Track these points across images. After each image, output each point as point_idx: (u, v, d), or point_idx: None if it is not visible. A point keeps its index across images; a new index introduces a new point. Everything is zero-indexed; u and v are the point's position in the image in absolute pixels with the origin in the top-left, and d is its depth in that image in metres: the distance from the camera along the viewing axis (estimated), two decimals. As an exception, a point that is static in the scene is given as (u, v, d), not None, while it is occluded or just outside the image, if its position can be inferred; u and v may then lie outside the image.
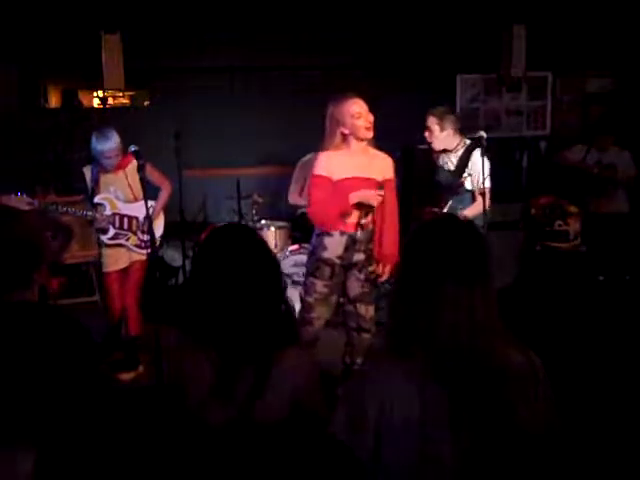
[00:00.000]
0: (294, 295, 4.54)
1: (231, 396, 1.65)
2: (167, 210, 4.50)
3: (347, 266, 3.46)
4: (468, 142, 4.13)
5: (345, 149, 3.41)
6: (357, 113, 3.33)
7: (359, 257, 3.45)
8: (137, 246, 4.26)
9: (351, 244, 3.37)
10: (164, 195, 4.39)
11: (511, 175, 6.67)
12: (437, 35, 6.66)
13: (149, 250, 3.97)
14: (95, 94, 7.46)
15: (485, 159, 3.94)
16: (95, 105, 7.45)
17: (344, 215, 3.36)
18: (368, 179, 3.40)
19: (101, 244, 4.28)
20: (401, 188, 6.50)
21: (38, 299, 2.21)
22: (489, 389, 1.47)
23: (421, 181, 6.78)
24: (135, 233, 4.25)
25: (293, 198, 5.33)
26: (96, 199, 4.17)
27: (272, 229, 5.55)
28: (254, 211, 5.71)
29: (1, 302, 2.08)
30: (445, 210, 4.09)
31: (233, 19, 6.36)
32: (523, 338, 1.60)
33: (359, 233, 3.37)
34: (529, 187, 6.57)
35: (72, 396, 1.98)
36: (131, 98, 7.76)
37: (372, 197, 3.31)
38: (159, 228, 4.40)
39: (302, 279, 3.98)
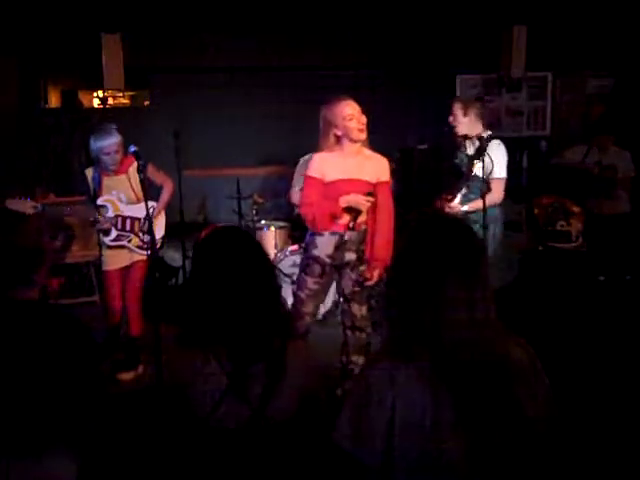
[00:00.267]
0: (290, 293, 4.55)
1: (245, 396, 1.65)
2: (167, 210, 4.50)
3: (339, 265, 3.50)
4: (489, 133, 4.20)
5: (338, 151, 3.43)
6: (349, 115, 3.35)
7: (350, 257, 3.48)
8: (139, 247, 4.25)
9: (341, 244, 3.41)
10: (166, 194, 4.38)
11: (511, 175, 6.67)
12: (437, 35, 6.67)
13: (150, 251, 3.96)
14: (95, 94, 7.47)
15: (502, 150, 4.05)
16: (95, 105, 7.45)
17: (334, 217, 3.40)
18: (360, 181, 3.42)
19: (102, 245, 4.27)
20: (400, 188, 6.54)
21: (39, 299, 2.22)
22: (494, 385, 1.47)
23: (421, 181, 6.81)
24: (137, 234, 4.25)
25: (294, 197, 5.34)
26: (99, 201, 4.17)
27: (272, 229, 5.55)
28: (254, 211, 5.71)
29: (3, 302, 2.09)
30: (457, 199, 4.12)
31: (233, 19, 6.36)
32: (524, 336, 1.60)
33: (349, 234, 3.40)
34: (529, 187, 6.57)
35: (73, 395, 1.97)
36: (131, 98, 7.77)
37: (361, 202, 3.34)
38: (160, 228, 4.39)
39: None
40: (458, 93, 7.13)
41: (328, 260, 3.48)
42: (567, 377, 1.97)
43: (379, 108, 6.88)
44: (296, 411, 1.66)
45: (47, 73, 6.77)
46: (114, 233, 4.19)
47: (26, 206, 3.90)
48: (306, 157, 5.16)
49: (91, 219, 4.14)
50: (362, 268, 3.50)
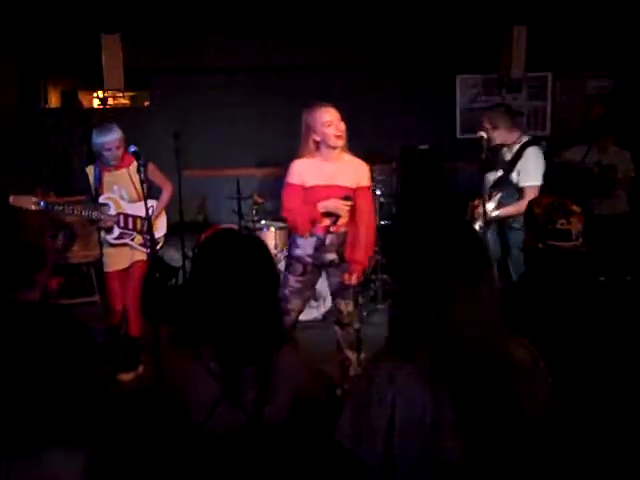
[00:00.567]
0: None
1: (238, 400, 1.65)
2: (167, 210, 4.50)
3: (321, 265, 3.64)
4: (526, 139, 4.21)
5: (318, 156, 3.53)
6: (328, 121, 3.44)
7: (332, 257, 3.60)
8: (142, 245, 4.25)
9: (321, 245, 3.52)
10: (165, 196, 4.39)
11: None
12: (437, 35, 6.67)
13: (150, 250, 3.97)
14: (95, 94, 7.47)
15: (540, 159, 4.07)
16: (95, 105, 7.45)
17: (314, 222, 3.52)
18: (339, 187, 3.51)
19: (104, 243, 4.27)
20: (401, 188, 6.54)
21: (39, 300, 2.22)
22: (494, 385, 1.47)
23: (421, 181, 6.81)
24: (140, 232, 4.24)
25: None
26: (101, 199, 4.17)
27: (272, 229, 5.56)
28: (254, 211, 5.71)
29: (5, 302, 2.09)
30: (492, 203, 4.15)
31: (233, 19, 6.36)
32: (525, 336, 1.60)
33: (330, 237, 3.51)
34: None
35: (74, 394, 1.98)
36: (131, 98, 7.77)
37: (340, 207, 3.46)
38: (161, 227, 4.40)
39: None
40: (458, 93, 7.13)
41: (309, 260, 3.60)
42: (567, 377, 1.97)
43: (379, 108, 6.93)
44: (291, 415, 1.65)
45: (47, 73, 6.77)
46: (117, 231, 4.20)
47: (30, 202, 3.92)
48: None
49: (94, 217, 4.14)
50: (345, 266, 3.62)
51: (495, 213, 4.13)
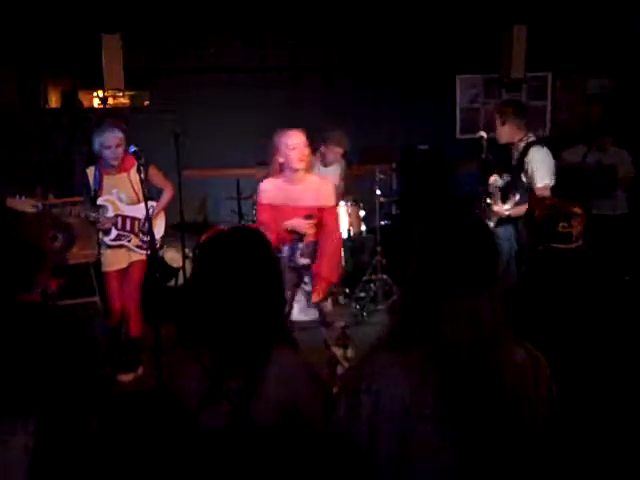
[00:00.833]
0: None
1: (221, 399, 1.65)
2: (167, 211, 4.50)
3: (296, 268, 3.73)
4: (532, 138, 4.18)
5: (282, 177, 3.70)
6: (292, 144, 3.61)
7: (305, 261, 3.71)
8: (138, 247, 4.26)
9: (292, 253, 3.66)
10: (166, 197, 4.40)
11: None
12: (437, 35, 6.67)
13: (149, 251, 3.97)
14: (95, 94, 7.45)
15: (543, 156, 4.03)
16: (95, 105, 7.44)
17: (282, 238, 3.66)
18: (301, 208, 3.65)
19: (102, 244, 4.27)
20: (401, 188, 6.54)
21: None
22: (484, 383, 1.47)
23: (422, 181, 6.81)
24: (137, 235, 4.25)
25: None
26: (99, 201, 4.17)
27: (272, 229, 5.55)
28: (254, 211, 5.70)
29: (6, 303, 2.09)
30: (509, 204, 4.15)
31: (233, 19, 6.36)
32: (525, 337, 1.60)
33: (300, 246, 3.65)
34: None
35: (75, 394, 1.98)
36: (131, 98, 7.76)
37: (303, 226, 3.62)
38: (160, 228, 4.39)
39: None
40: (458, 93, 7.13)
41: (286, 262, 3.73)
42: (567, 376, 1.97)
43: (379, 108, 6.92)
44: (279, 417, 1.65)
45: (47, 73, 6.76)
46: (114, 233, 4.20)
47: (26, 205, 3.91)
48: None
49: (92, 218, 4.14)
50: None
51: (507, 213, 4.13)
